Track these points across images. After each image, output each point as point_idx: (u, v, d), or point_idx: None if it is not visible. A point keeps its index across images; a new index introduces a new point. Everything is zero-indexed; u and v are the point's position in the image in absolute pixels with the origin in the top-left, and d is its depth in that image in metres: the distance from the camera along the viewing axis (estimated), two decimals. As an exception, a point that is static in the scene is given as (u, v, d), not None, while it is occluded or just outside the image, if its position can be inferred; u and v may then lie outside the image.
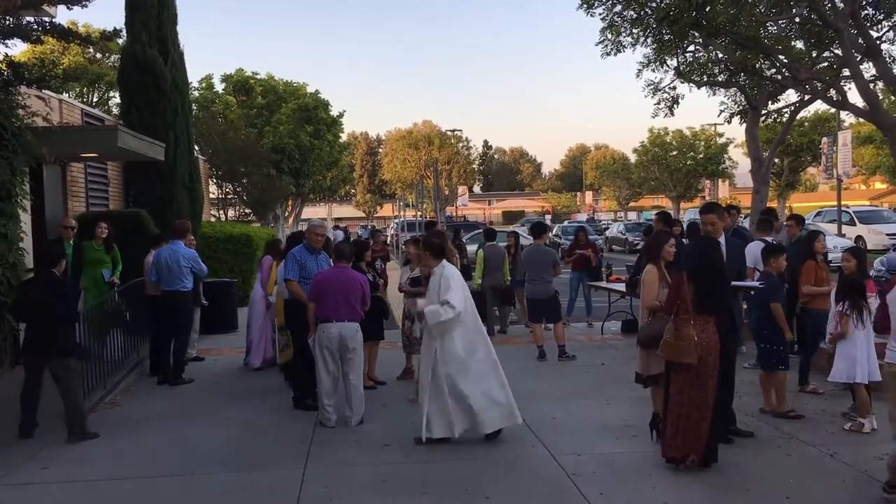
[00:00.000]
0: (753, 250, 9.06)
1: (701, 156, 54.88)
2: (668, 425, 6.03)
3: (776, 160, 29.16)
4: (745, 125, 18.99)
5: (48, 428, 7.55)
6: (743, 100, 18.76)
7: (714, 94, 19.95)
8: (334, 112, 37.99)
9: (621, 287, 12.45)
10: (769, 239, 9.50)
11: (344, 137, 44.34)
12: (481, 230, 20.76)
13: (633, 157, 62.92)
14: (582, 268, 13.90)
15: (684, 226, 11.97)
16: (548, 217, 70.76)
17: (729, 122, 22.71)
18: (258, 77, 36.67)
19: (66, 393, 7.15)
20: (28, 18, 8.87)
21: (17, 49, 37.52)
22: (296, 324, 8.20)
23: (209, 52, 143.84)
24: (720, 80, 18.52)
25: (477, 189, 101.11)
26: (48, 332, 7.06)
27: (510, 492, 5.63)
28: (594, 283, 13.86)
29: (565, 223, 47.11)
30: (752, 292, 8.24)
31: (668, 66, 17.53)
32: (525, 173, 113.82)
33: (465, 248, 17.25)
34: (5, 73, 7.97)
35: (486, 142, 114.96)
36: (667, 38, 16.13)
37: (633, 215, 67.64)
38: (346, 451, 6.68)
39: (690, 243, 7.39)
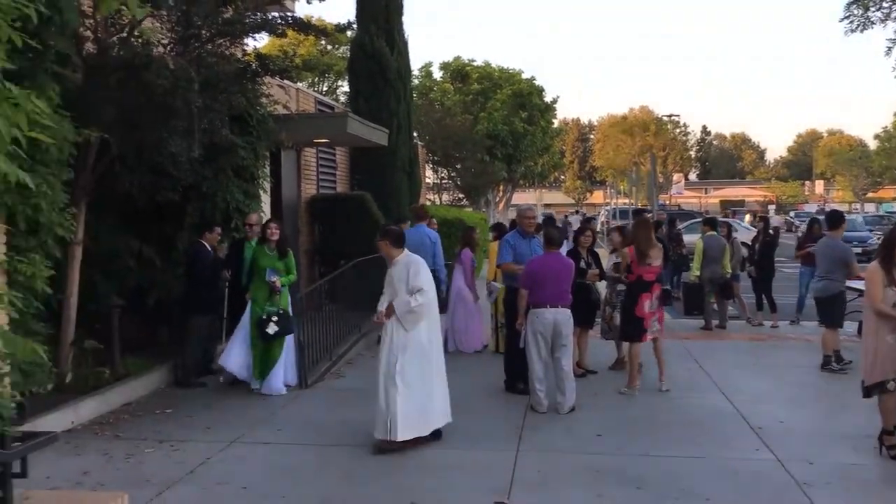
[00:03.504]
0: None
1: (956, 142, 49.05)
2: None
3: None
4: None
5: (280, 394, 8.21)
6: None
7: (978, 71, 17.66)
8: (548, 98, 37.95)
9: (859, 285, 11.39)
10: None
11: (556, 124, 44.18)
12: (699, 220, 19.91)
13: (873, 144, 57.49)
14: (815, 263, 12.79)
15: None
16: (771, 207, 66.38)
17: None
18: (475, 64, 37.40)
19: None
20: (273, 14, 9.57)
21: (259, 42, 40.69)
22: (510, 309, 8.28)
23: (428, 40, 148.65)
24: None
25: (693, 177, 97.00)
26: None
27: (732, 496, 5.33)
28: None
29: (791, 214, 43.95)
30: None
31: (923, 42, 15.71)
32: (746, 160, 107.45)
33: (682, 238, 16.67)
34: (254, 64, 8.65)
35: (704, 127, 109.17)
36: (924, 10, 14.48)
37: (870, 207, 61.80)
38: (559, 437, 6.66)
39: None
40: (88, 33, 7.56)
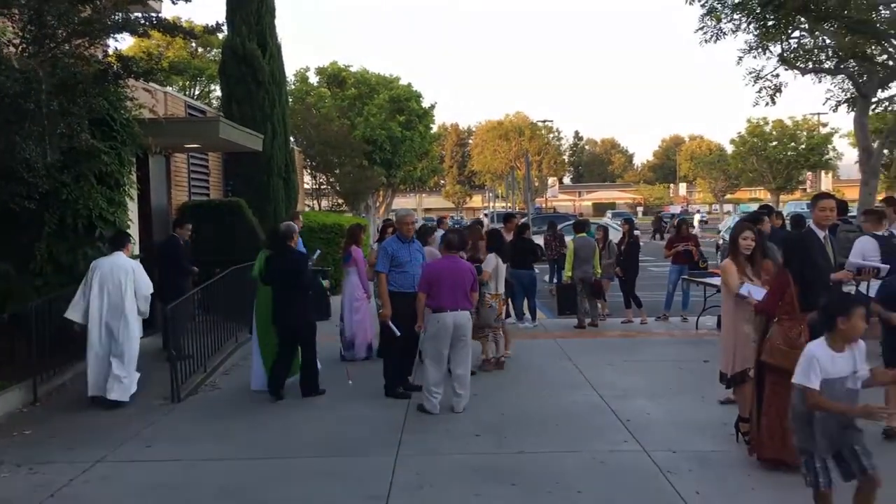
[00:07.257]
0: (863, 246, 8.55)
1: (803, 146, 52.83)
2: (763, 426, 5.79)
3: (885, 151, 27.52)
4: (853, 114, 18.05)
5: (151, 407, 7.89)
6: (851, 87, 17.81)
7: (819, 81, 19.06)
8: (426, 103, 38.23)
9: (715, 281, 12.05)
10: (881, 233, 8.95)
11: (434, 129, 44.56)
12: (571, 222, 20.53)
13: (729, 148, 61.19)
14: (684, 261, 13.43)
15: (786, 218, 11.40)
16: (639, 209, 69.38)
17: (835, 111, 21.66)
18: (351, 69, 37.23)
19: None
20: (136, 14, 9.20)
21: (125, 44, 39.09)
22: (397, 312, 8.11)
23: (304, 46, 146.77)
24: (827, 66, 17.62)
25: (567, 180, 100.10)
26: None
27: (602, 487, 5.53)
28: (692, 277, 13.41)
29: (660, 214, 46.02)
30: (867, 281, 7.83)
31: (770, 52, 16.74)
32: (616, 164, 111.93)
33: (564, 239, 17.21)
34: (115, 66, 8.29)
35: (576, 132, 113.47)
36: (771, 23, 15.46)
37: (728, 208, 65.68)
38: (438, 439, 6.71)
39: (788, 237, 7.09)
40: (-71, 31, 7.06)
